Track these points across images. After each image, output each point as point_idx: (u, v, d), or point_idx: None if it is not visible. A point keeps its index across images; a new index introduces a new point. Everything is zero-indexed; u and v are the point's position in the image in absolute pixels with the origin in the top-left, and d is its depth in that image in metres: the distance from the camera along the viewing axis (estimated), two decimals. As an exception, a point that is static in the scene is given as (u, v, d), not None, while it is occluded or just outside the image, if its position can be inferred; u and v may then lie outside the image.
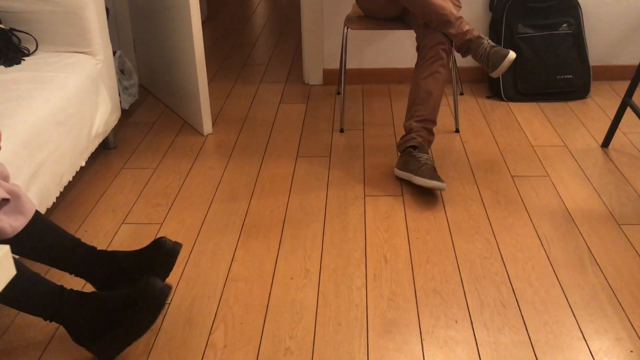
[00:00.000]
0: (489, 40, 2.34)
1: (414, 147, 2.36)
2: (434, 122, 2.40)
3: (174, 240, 2.00)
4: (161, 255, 1.67)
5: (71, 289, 1.53)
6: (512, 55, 2.27)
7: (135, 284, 1.55)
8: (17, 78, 2.13)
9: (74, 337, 1.53)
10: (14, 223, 1.52)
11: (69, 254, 1.64)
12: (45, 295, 1.49)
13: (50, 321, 1.52)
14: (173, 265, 1.70)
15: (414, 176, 2.27)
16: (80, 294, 1.53)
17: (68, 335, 1.66)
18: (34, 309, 1.50)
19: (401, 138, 2.42)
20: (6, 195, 1.47)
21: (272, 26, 4.61)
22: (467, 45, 2.35)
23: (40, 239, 1.59)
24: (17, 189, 1.53)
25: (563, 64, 3.07)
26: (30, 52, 2.36)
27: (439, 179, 2.21)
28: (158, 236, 2.08)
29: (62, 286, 1.52)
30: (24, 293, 1.47)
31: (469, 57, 3.28)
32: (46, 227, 1.60)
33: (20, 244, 1.56)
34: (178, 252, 1.70)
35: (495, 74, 2.31)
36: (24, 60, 2.29)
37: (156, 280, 1.52)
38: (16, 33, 2.35)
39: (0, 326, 1.71)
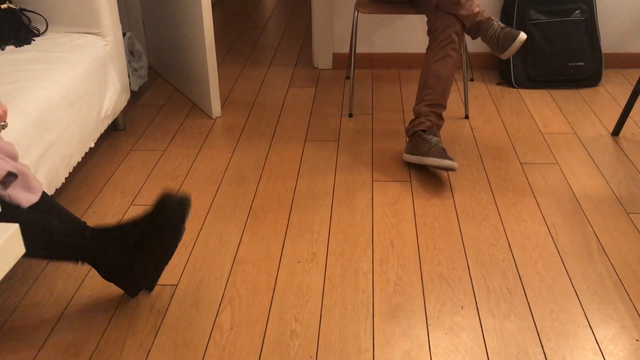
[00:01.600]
0: (499, 22, 2.32)
1: (424, 131, 2.35)
2: (443, 107, 2.39)
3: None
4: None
5: (93, 227, 1.55)
6: (522, 36, 2.25)
7: (153, 205, 1.56)
8: (27, 58, 2.13)
9: (105, 274, 1.55)
10: (23, 201, 1.53)
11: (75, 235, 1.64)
12: (67, 238, 1.50)
13: (82, 262, 1.53)
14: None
15: (425, 157, 2.25)
16: (101, 230, 1.54)
17: (76, 314, 1.67)
18: (60, 254, 1.51)
19: (410, 122, 2.42)
20: (14, 170, 1.48)
21: (282, 9, 4.59)
22: (477, 27, 2.34)
23: (46, 219, 1.60)
24: (25, 168, 1.53)
25: (575, 51, 3.05)
26: (40, 32, 2.36)
27: (450, 158, 2.20)
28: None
29: (83, 225, 1.54)
30: (47, 241, 1.48)
31: (480, 43, 3.26)
32: (52, 209, 1.61)
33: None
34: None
35: (505, 56, 2.30)
36: (34, 40, 2.30)
37: (171, 197, 1.52)
38: (26, 13, 2.35)
39: (9, 305, 1.72)
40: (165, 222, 1.52)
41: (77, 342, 1.59)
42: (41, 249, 1.49)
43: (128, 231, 1.55)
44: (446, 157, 2.21)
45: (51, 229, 1.49)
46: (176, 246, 1.59)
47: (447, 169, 2.21)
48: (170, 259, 1.62)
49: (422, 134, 2.33)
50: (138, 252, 1.54)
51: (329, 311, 1.69)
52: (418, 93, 2.43)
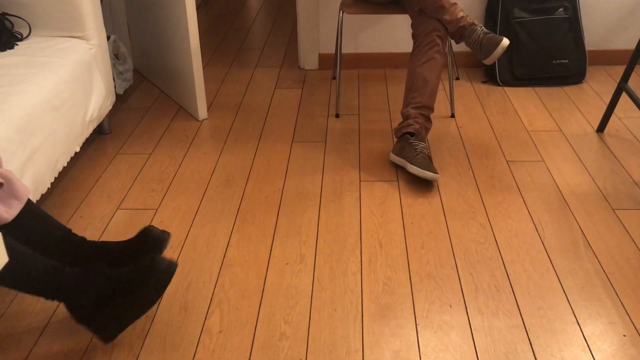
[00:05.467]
0: (483, 27, 2.33)
1: (412, 134, 2.36)
2: (431, 109, 2.40)
3: (164, 227, 2.00)
4: (148, 244, 1.66)
5: (72, 269, 1.52)
6: (505, 42, 2.26)
7: (140, 262, 1.54)
8: (10, 63, 2.12)
9: (75, 315, 1.53)
10: (10, 209, 1.51)
11: (59, 243, 1.62)
12: (46, 274, 1.48)
13: (52, 300, 1.51)
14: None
15: (408, 164, 2.26)
16: (81, 272, 1.52)
17: (63, 321, 1.66)
18: (34, 288, 1.49)
19: (399, 124, 2.42)
20: (1, 179, 1.46)
21: (267, 10, 4.58)
22: (461, 32, 2.35)
23: (30, 228, 1.58)
24: (9, 173, 1.52)
25: (559, 49, 3.07)
26: (24, 36, 2.34)
27: (433, 170, 2.21)
28: (153, 222, 2.08)
29: (62, 266, 1.52)
30: (24, 273, 1.46)
31: (465, 42, 3.27)
32: (36, 216, 1.59)
33: (9, 233, 1.54)
34: (166, 241, 1.69)
35: (488, 61, 2.31)
36: (17, 45, 2.28)
37: (162, 258, 1.52)
38: (9, 17, 2.33)
39: (-4, 312, 1.71)
40: (148, 283, 1.50)
41: (65, 349, 1.58)
42: (16, 279, 1.46)
43: (108, 279, 1.52)
44: (429, 167, 2.22)
45: (32, 261, 1.47)
46: (148, 309, 1.54)
47: (428, 179, 2.23)
48: (138, 318, 1.56)
49: (409, 138, 2.33)
50: (111, 305, 1.52)
51: (318, 312, 1.69)
52: (405, 96, 2.43)
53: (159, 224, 2.07)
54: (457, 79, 3.22)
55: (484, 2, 3.23)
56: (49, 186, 2.02)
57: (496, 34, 2.54)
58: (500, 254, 1.91)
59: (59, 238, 1.63)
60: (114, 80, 2.82)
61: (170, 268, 1.51)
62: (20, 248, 1.46)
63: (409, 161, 2.26)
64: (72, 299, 1.51)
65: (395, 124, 2.73)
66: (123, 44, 3.04)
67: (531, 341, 1.58)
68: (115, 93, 2.88)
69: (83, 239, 1.67)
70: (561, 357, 1.54)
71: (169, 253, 1.93)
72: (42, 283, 1.49)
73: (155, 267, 1.50)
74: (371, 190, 2.24)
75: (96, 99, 2.39)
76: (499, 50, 2.26)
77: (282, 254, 1.92)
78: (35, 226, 1.59)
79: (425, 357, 1.54)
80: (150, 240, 1.67)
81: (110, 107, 2.58)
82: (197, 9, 4.51)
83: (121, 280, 1.51)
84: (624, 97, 2.92)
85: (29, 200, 1.57)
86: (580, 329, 1.62)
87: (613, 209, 2.11)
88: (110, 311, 1.51)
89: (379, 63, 3.38)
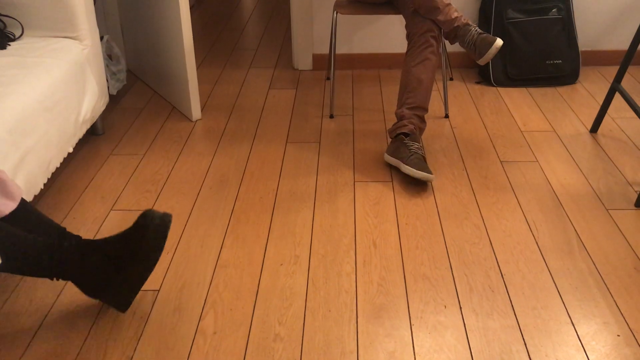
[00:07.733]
0: (477, 28, 2.34)
1: (406, 135, 2.36)
2: (425, 110, 2.40)
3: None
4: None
5: (70, 241, 1.52)
6: (499, 42, 2.27)
7: (135, 222, 1.54)
8: (3, 63, 2.11)
9: (85, 290, 1.52)
10: (3, 208, 1.51)
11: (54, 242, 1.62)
12: (46, 251, 1.47)
13: (57, 279, 1.50)
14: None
15: (402, 164, 2.27)
16: (80, 244, 1.51)
17: (57, 322, 1.65)
18: (37, 268, 1.48)
19: (393, 125, 2.42)
20: None
21: (261, 11, 4.58)
22: (455, 32, 2.35)
23: (25, 226, 1.57)
24: (2, 174, 1.51)
25: (552, 49, 3.07)
26: (16, 37, 2.33)
27: (427, 170, 2.21)
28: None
29: (63, 232, 1.51)
30: (24, 254, 1.44)
31: (459, 42, 3.27)
32: (31, 215, 1.59)
33: None
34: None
35: (482, 61, 2.31)
36: (9, 45, 2.27)
37: (153, 212, 1.51)
38: (1, 18, 2.32)
39: (-11, 314, 1.70)
40: (146, 238, 1.49)
41: (58, 351, 1.57)
42: (16, 262, 1.45)
43: (107, 245, 1.52)
44: (423, 168, 2.21)
45: (28, 242, 1.46)
46: (154, 265, 1.56)
47: (422, 180, 2.23)
48: (146, 278, 1.58)
49: (404, 139, 2.33)
50: (116, 268, 1.52)
51: (313, 313, 1.68)
52: (399, 96, 2.43)
53: (152, 225, 2.06)
54: (451, 79, 3.22)
55: (477, 3, 3.23)
56: (42, 187, 2.01)
57: (490, 34, 2.55)
58: (494, 254, 1.91)
59: (55, 236, 1.62)
60: (107, 80, 2.81)
61: (164, 219, 1.50)
62: (14, 230, 1.44)
63: (403, 161, 2.27)
64: (76, 274, 1.50)
65: (389, 125, 2.73)
66: (116, 45, 3.03)
67: (525, 341, 1.59)
68: (109, 94, 2.87)
69: (79, 237, 1.66)
70: (555, 357, 1.54)
71: (162, 255, 1.92)
72: (43, 261, 1.48)
73: (149, 222, 1.49)
74: (365, 191, 2.24)
75: (89, 99, 2.38)
76: (493, 50, 2.27)
77: (277, 254, 1.92)
78: (30, 225, 1.58)
79: (420, 357, 1.54)
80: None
81: (103, 108, 2.57)
82: (190, 9, 4.51)
83: (120, 245, 1.50)
84: (617, 97, 2.93)
85: (22, 200, 1.56)
86: (575, 329, 1.62)
87: (607, 209, 2.11)
88: (118, 278, 1.50)
89: (373, 63, 3.38)
